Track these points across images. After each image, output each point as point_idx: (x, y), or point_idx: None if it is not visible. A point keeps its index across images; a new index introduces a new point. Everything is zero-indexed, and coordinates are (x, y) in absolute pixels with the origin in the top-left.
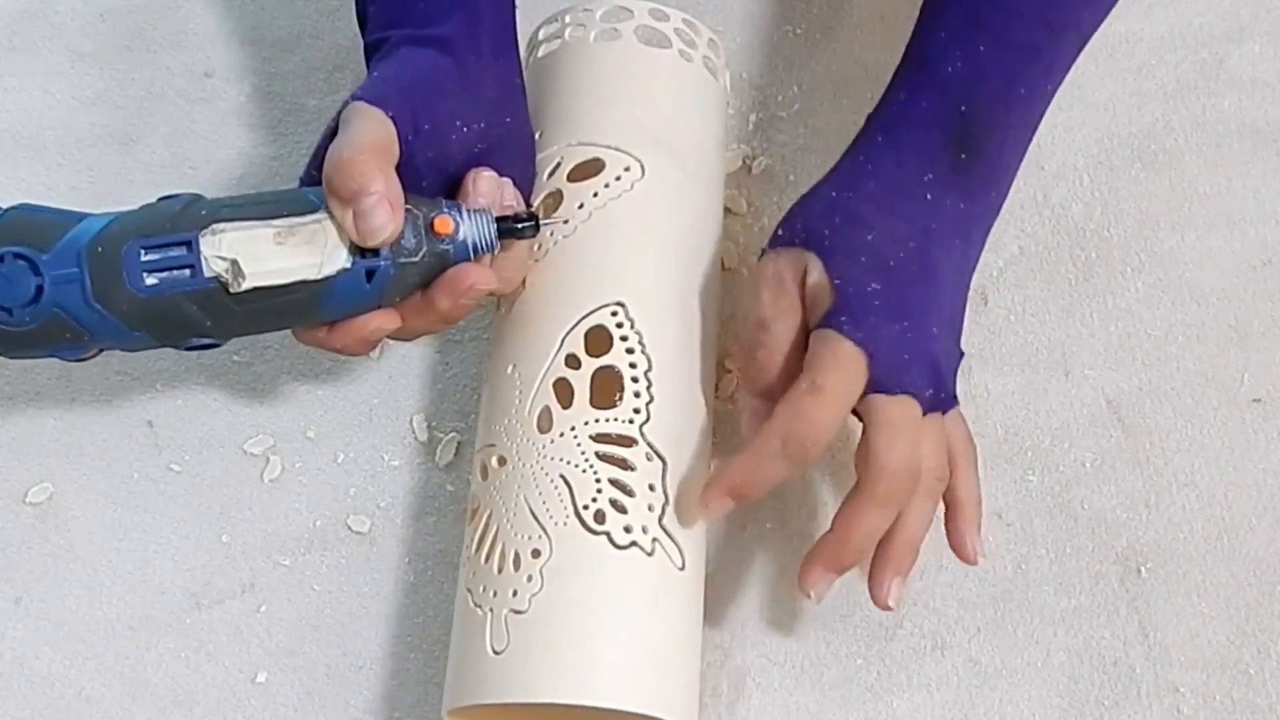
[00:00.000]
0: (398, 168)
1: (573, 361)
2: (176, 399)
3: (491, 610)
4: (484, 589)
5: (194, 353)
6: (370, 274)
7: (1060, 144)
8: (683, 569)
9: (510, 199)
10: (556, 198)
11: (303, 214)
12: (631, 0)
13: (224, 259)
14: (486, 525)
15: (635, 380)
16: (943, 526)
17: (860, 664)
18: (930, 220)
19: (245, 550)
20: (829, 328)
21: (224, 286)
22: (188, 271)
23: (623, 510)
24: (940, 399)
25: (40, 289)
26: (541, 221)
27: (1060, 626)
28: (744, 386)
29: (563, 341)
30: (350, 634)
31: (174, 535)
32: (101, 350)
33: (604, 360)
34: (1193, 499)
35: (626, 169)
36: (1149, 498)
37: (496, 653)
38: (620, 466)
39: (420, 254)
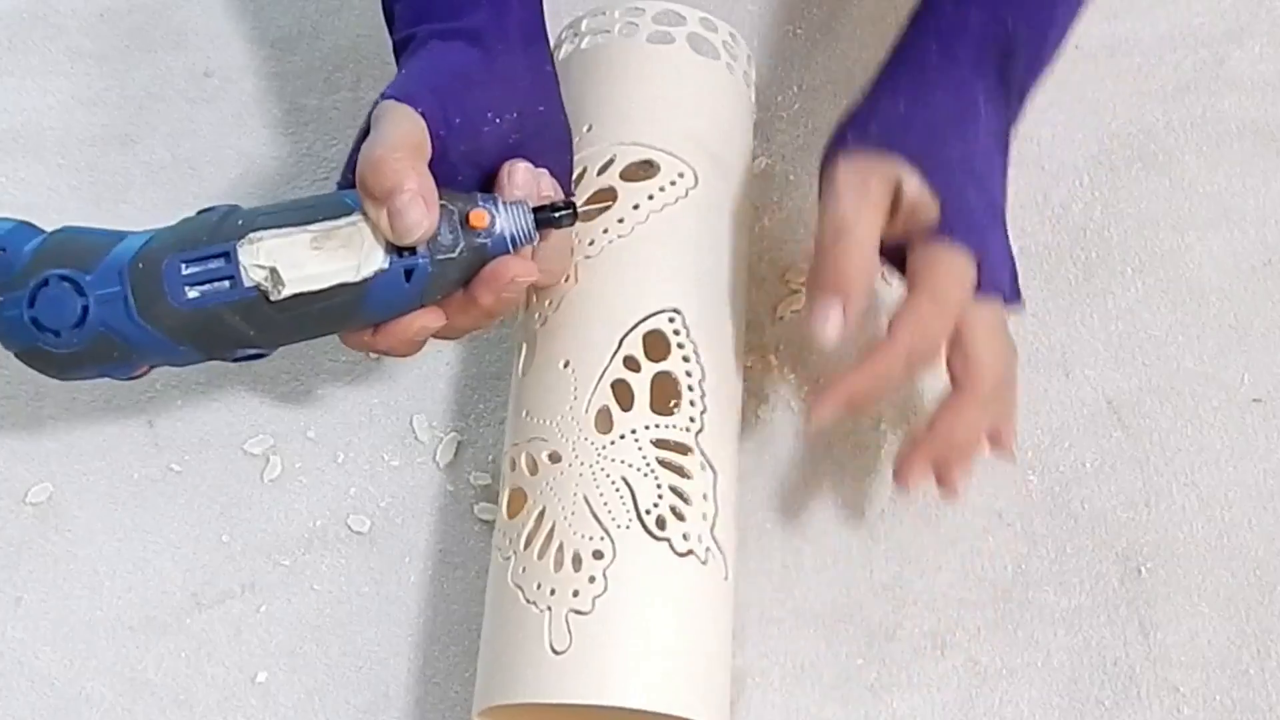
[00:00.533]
0: (431, 164)
1: (632, 364)
2: (176, 399)
3: (550, 609)
4: (538, 586)
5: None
6: (409, 273)
7: (1060, 144)
8: (726, 579)
9: (548, 189)
10: (610, 194)
11: (338, 217)
12: (680, 5)
13: (262, 267)
14: (539, 521)
15: (691, 389)
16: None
17: (860, 664)
18: (986, 133)
19: (245, 550)
20: (941, 238)
21: (264, 295)
22: (228, 283)
23: (681, 518)
24: (1014, 300)
25: (85, 309)
26: (580, 209)
27: (1060, 626)
28: (816, 289)
29: (621, 343)
30: (350, 634)
31: (174, 535)
32: (152, 368)
33: (662, 366)
34: (1193, 499)
35: (681, 175)
36: (1149, 498)
37: (557, 652)
38: (678, 474)
39: (458, 249)
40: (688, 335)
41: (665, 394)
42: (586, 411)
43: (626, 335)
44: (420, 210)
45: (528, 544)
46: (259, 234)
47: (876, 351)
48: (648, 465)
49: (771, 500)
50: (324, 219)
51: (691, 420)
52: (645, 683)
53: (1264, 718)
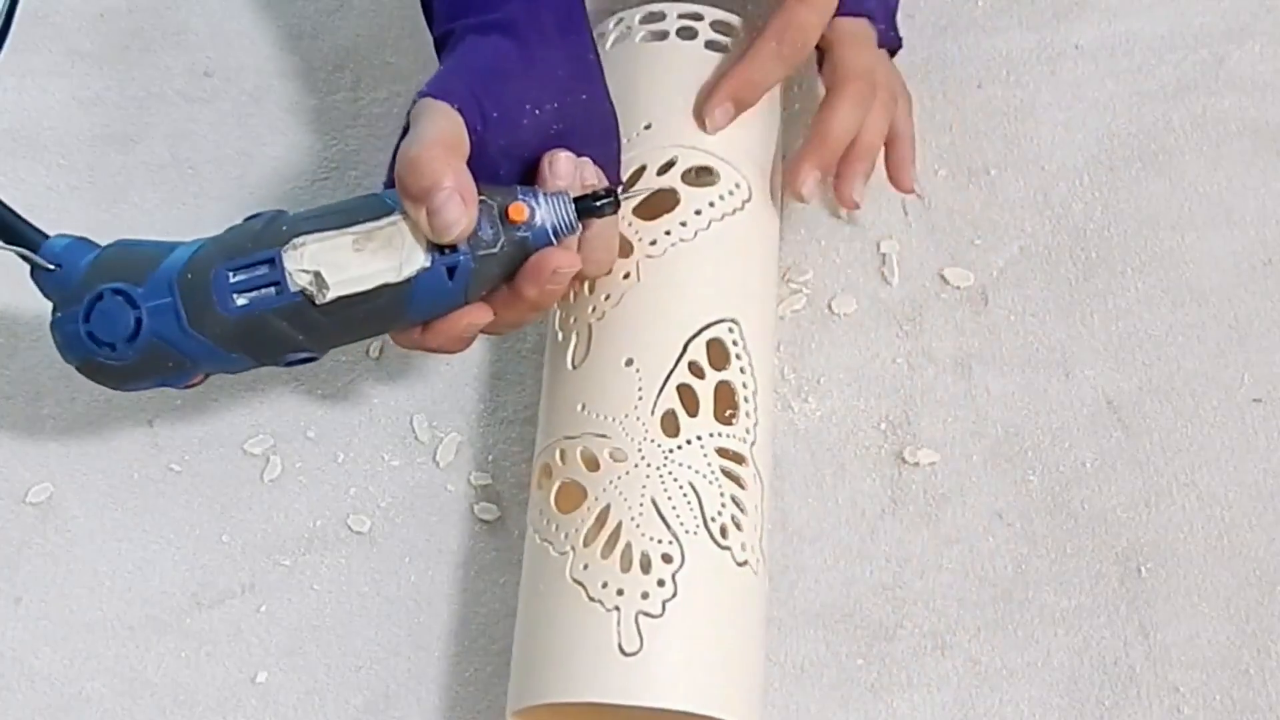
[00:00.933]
0: (470, 159)
1: (696, 370)
2: (176, 399)
3: (619, 609)
4: (604, 585)
5: (293, 368)
6: (451, 270)
7: (1060, 143)
8: (768, 591)
9: (591, 178)
10: (673, 196)
11: (379, 218)
12: (730, 14)
13: (306, 272)
14: (601, 519)
15: (747, 400)
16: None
17: (860, 664)
18: None
19: (245, 550)
20: None
21: (310, 299)
22: (274, 289)
23: (739, 528)
24: (890, 35)
25: (139, 322)
26: (622, 196)
27: (1060, 626)
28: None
29: (686, 347)
30: (350, 634)
31: (174, 535)
32: (207, 376)
33: (724, 375)
34: (1193, 499)
35: (738, 185)
36: (1149, 498)
37: (627, 653)
38: (737, 484)
39: (499, 244)
40: (744, 346)
41: (723, 403)
42: (653, 413)
43: (691, 340)
44: (458, 207)
45: (588, 541)
46: (302, 239)
47: (753, 46)
48: (712, 473)
49: (772, 500)
50: (365, 220)
51: (747, 431)
52: (710, 688)
53: (1264, 717)
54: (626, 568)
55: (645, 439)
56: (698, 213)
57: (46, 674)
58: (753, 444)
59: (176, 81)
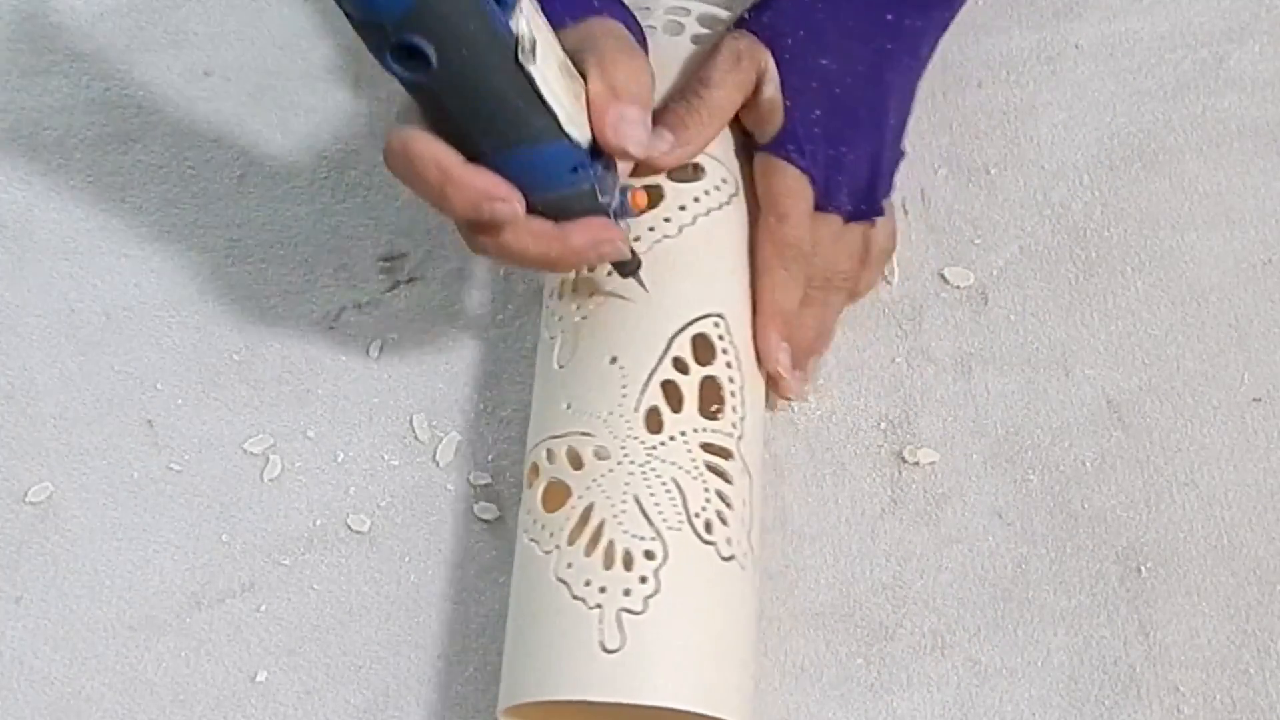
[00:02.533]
0: None
1: (681, 366)
2: (176, 398)
3: (601, 606)
4: (587, 583)
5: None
6: (577, 168)
7: (1060, 143)
8: (758, 586)
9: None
10: (658, 192)
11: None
12: (719, 10)
13: (527, 32)
14: (584, 517)
15: (733, 395)
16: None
17: (860, 663)
18: (888, 40)
19: (245, 550)
20: (778, 154)
21: (516, 45)
22: (500, 7)
23: (725, 522)
24: (863, 210)
25: None
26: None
27: (1060, 626)
28: (659, 121)
29: (670, 343)
30: (350, 633)
31: (174, 534)
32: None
33: (709, 370)
34: (1193, 498)
35: (724, 180)
36: (1149, 497)
37: (609, 650)
38: (722, 478)
39: (609, 198)
40: (730, 340)
41: (709, 398)
42: (637, 410)
43: (676, 336)
44: (645, 134)
45: (572, 540)
46: (540, 15)
47: (760, 287)
48: (696, 468)
49: (772, 500)
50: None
51: (734, 426)
52: (694, 684)
53: (1264, 717)
54: (609, 565)
55: (629, 436)
56: (682, 208)
57: (46, 673)
58: (739, 439)
59: (176, 81)
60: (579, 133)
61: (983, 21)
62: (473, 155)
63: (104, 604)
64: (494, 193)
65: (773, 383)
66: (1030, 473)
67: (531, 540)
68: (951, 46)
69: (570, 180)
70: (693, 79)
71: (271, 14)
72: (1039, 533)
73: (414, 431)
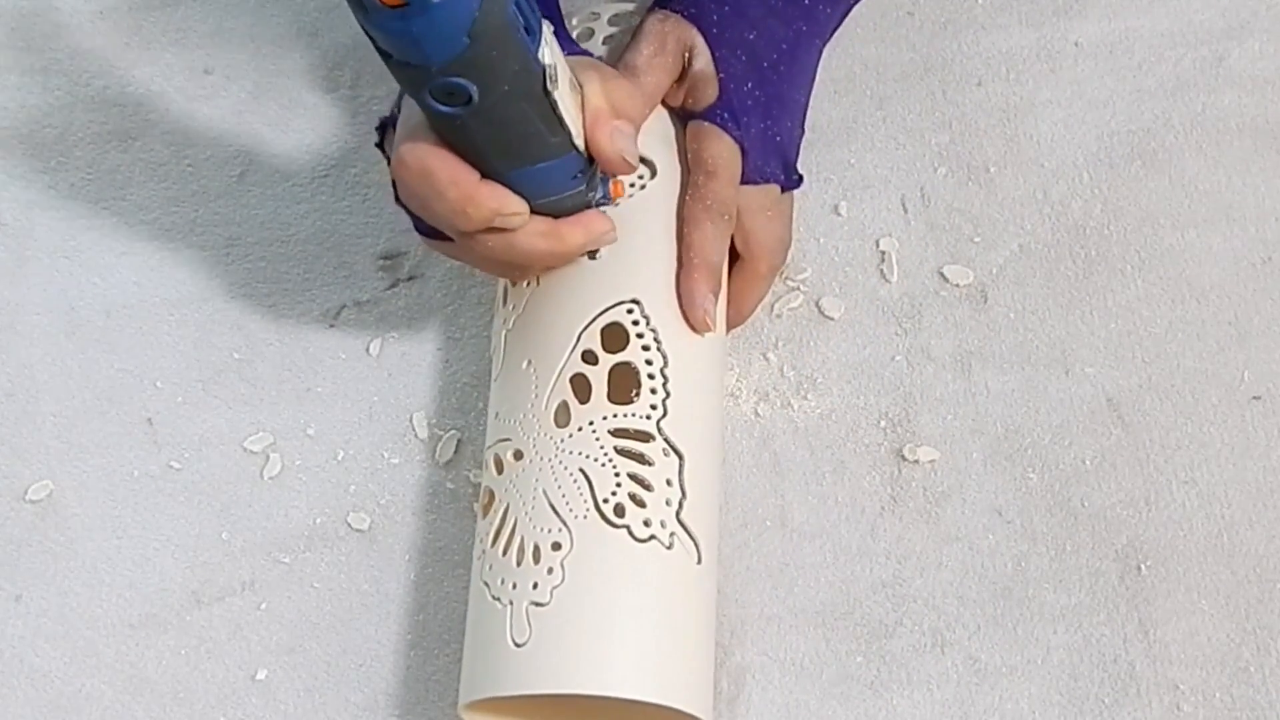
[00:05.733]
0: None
1: (590, 357)
2: (176, 396)
3: (511, 603)
4: (502, 582)
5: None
6: (576, 175)
7: (1060, 141)
8: (699, 563)
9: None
10: None
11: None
12: (627, 4)
13: (550, 60)
14: (504, 519)
15: (652, 377)
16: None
17: (860, 661)
18: (803, 22)
19: (245, 548)
20: (712, 122)
21: (541, 76)
22: (529, 36)
23: (641, 504)
24: (791, 180)
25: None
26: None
27: (1060, 624)
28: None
29: (579, 338)
30: (350, 631)
31: (174, 533)
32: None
33: (621, 357)
34: (1193, 497)
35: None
36: (1149, 495)
37: (518, 645)
38: (638, 461)
39: (594, 193)
40: (647, 325)
41: (626, 384)
42: (546, 408)
43: (584, 330)
44: (635, 149)
45: (494, 541)
46: (553, 37)
47: (688, 250)
48: (605, 455)
49: (771, 498)
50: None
51: (653, 408)
52: (605, 669)
53: (1264, 715)
54: (520, 561)
55: (539, 434)
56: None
57: (46, 671)
58: (661, 419)
59: (176, 79)
60: (581, 142)
61: (983, 19)
62: (486, 170)
63: (104, 602)
64: (508, 208)
65: (695, 329)
66: (1030, 471)
67: (477, 550)
68: (951, 44)
69: (571, 185)
70: (620, 66)
71: (271, 14)
72: (1039, 531)
73: (414, 429)
